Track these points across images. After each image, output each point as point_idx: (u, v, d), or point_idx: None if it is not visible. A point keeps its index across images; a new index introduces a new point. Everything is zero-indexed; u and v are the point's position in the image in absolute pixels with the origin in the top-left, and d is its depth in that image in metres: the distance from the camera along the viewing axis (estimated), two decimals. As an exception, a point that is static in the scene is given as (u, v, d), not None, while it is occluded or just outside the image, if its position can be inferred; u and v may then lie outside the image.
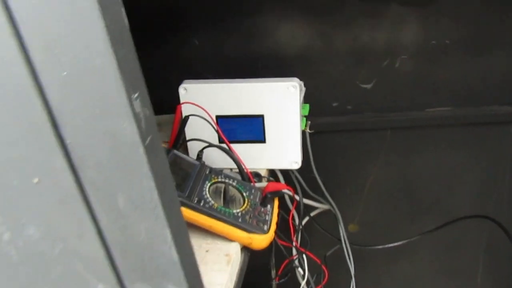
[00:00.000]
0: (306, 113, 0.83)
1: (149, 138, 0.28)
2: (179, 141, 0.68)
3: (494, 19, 0.91)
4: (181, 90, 0.75)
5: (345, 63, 0.98)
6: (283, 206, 0.77)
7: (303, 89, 0.82)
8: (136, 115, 0.27)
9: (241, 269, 0.61)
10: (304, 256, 0.76)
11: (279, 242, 0.78)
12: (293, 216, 0.76)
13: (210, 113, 0.74)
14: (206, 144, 0.69)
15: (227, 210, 0.60)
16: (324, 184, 0.90)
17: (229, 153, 0.69)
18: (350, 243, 1.00)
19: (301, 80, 0.78)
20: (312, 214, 1.01)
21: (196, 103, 0.74)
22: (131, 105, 0.26)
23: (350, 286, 0.98)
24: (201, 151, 0.70)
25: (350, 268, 0.99)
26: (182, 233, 0.33)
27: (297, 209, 0.79)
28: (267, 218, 0.62)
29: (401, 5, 0.90)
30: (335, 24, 0.94)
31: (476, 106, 0.98)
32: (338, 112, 1.03)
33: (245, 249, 0.62)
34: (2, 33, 0.25)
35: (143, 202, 0.30)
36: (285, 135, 0.75)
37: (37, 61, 0.26)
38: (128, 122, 0.26)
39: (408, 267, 1.23)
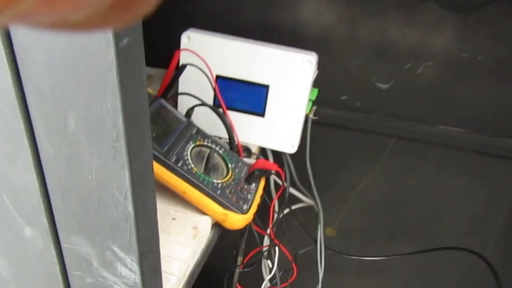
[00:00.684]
0: (313, 98, 0.75)
1: (126, 40, 0.20)
2: (169, 91, 0.60)
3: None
4: (184, 38, 0.66)
5: (365, 56, 0.90)
6: (266, 190, 0.70)
7: (316, 71, 0.75)
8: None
9: (207, 247, 0.53)
10: (276, 248, 0.69)
11: (254, 227, 0.71)
12: (274, 204, 0.69)
13: (211, 70, 0.66)
14: (199, 102, 0.61)
15: (206, 178, 0.52)
16: (314, 176, 0.83)
17: (223, 118, 0.61)
18: (325, 247, 0.94)
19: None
20: (293, 207, 0.94)
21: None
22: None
23: (315, 290, 0.91)
24: (191, 109, 0.62)
25: (319, 272, 0.93)
26: (146, 182, 0.25)
27: (281, 197, 0.72)
28: (248, 197, 0.55)
29: (441, 6, 0.82)
30: (364, 10, 0.86)
31: (491, 135, 0.91)
32: (345, 107, 0.96)
33: (216, 225, 0.55)
34: None
35: (100, 128, 0.22)
36: (287, 114, 0.68)
37: None
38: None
39: (376, 284, 1.18)
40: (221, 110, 0.62)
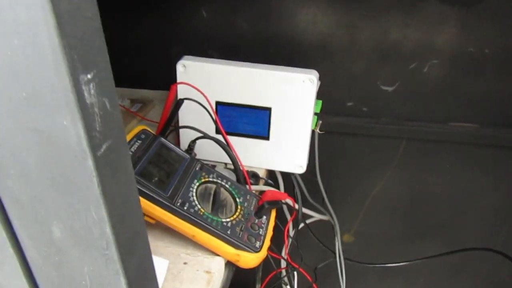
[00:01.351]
0: (318, 111, 0.72)
1: (105, 146, 0.18)
2: (169, 127, 0.58)
3: (542, 33, 0.80)
4: (179, 67, 0.64)
5: (368, 59, 0.87)
6: (278, 211, 0.67)
7: (318, 81, 0.72)
8: (85, 108, 0.16)
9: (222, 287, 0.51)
10: (295, 273, 0.66)
11: (269, 253, 0.69)
12: (288, 228, 0.67)
13: (209, 98, 0.63)
14: (200, 135, 0.59)
15: (215, 218, 0.50)
16: (325, 188, 0.81)
17: (226, 148, 0.59)
18: (345, 258, 0.91)
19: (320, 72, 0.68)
20: (308, 221, 0.92)
21: (194, 84, 0.63)
22: (78, 91, 0.16)
23: (339, 305, 0.89)
24: (193, 142, 0.60)
25: (342, 285, 0.90)
26: (144, 281, 0.23)
27: (294, 219, 0.70)
28: (260, 232, 0.53)
29: (442, 2, 0.79)
30: (362, 14, 0.83)
31: (505, 127, 0.88)
32: (351, 113, 0.93)
33: (229, 264, 0.53)
34: None
35: (88, 237, 0.20)
36: (293, 134, 0.65)
37: None
38: (70, 118, 0.16)
39: None
40: (224, 141, 0.60)
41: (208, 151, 0.66)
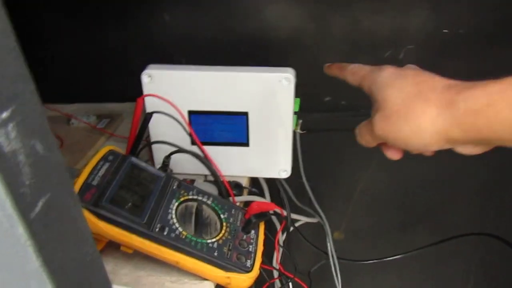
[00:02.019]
0: (297, 109, 0.69)
1: (41, 203, 0.13)
2: (139, 144, 0.53)
3: (515, 7, 0.79)
4: (145, 77, 0.59)
5: (341, 51, 0.84)
6: (267, 221, 0.63)
7: (295, 80, 0.68)
8: (3, 159, 0.12)
9: (214, 314, 0.47)
10: (290, 284, 0.63)
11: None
12: (278, 238, 0.63)
13: (181, 108, 0.59)
14: (174, 149, 0.54)
15: (199, 240, 0.46)
16: (312, 188, 0.77)
17: (203, 161, 0.54)
18: (338, 258, 0.88)
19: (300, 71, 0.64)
20: (297, 224, 0.88)
21: (163, 94, 0.58)
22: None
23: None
24: (167, 157, 0.55)
25: (337, 286, 0.87)
26: None
27: (284, 226, 0.66)
28: (250, 249, 0.48)
29: (412, -15, 0.77)
30: (331, 5, 0.80)
31: (486, 108, 0.86)
32: (330, 108, 0.90)
33: (220, 287, 0.48)
34: None
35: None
36: (274, 138, 0.61)
37: None
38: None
39: (397, 280, 1.13)
40: (200, 152, 0.55)
41: (185, 164, 0.62)
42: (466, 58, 0.81)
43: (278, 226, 0.72)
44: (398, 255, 0.93)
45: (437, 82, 0.34)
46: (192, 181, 0.59)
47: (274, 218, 0.75)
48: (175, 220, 0.46)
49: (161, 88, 0.59)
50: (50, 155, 0.13)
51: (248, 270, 0.46)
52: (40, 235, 0.13)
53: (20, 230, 0.13)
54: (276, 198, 0.73)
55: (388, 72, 0.38)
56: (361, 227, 1.05)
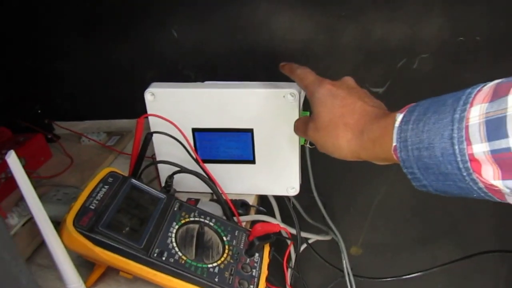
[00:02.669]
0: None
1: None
2: (140, 165, 0.52)
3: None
4: (148, 95, 0.58)
5: (354, 62, 0.82)
6: (275, 240, 0.61)
7: (303, 94, 0.66)
8: None
9: None
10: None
11: (268, 285, 0.63)
12: (288, 255, 0.60)
13: (185, 125, 0.58)
14: (177, 169, 0.53)
15: (199, 265, 0.44)
16: (324, 203, 0.75)
17: (207, 181, 0.53)
18: (354, 275, 0.85)
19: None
20: (310, 241, 0.86)
21: (167, 112, 0.58)
22: None
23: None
24: (170, 177, 0.54)
25: (354, 305, 0.84)
26: None
27: (294, 245, 0.64)
28: (254, 274, 0.46)
29: (424, -8, 0.74)
30: (341, 14, 0.78)
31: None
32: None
33: (224, 313, 0.46)
34: None
35: None
36: (280, 155, 0.60)
37: None
38: None
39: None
40: (204, 174, 0.54)
41: (190, 183, 0.60)
42: (484, 67, 0.78)
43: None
44: (418, 272, 0.89)
45: (358, 107, 0.41)
46: (197, 201, 0.58)
47: (286, 235, 0.73)
48: (174, 244, 0.45)
49: (165, 106, 0.58)
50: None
51: (251, 296, 0.44)
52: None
53: None
54: (287, 215, 0.71)
55: (324, 89, 0.44)
56: (380, 242, 1.01)
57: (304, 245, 0.86)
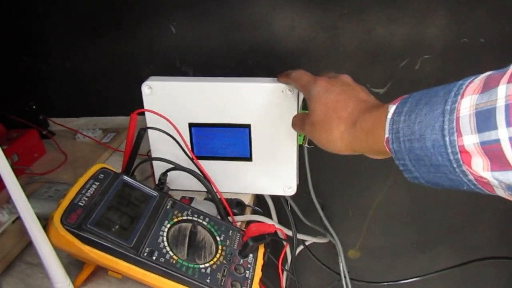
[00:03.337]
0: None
1: None
2: (133, 162, 0.51)
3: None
4: (145, 88, 0.57)
5: (354, 62, 0.80)
6: (271, 241, 0.60)
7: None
8: None
9: None
10: (296, 309, 0.59)
11: (262, 287, 0.61)
12: (284, 256, 0.59)
13: (181, 120, 0.57)
14: (171, 166, 0.52)
15: (191, 265, 0.43)
16: (322, 205, 0.73)
17: (201, 179, 0.51)
18: (351, 278, 0.84)
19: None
20: (308, 242, 0.84)
21: (163, 106, 0.57)
22: None
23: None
24: (163, 175, 0.52)
25: (352, 309, 0.83)
26: None
27: (290, 247, 0.62)
28: (247, 275, 0.45)
29: (428, -8, 0.73)
30: (343, 13, 0.76)
31: None
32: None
33: (215, 315, 0.45)
34: None
35: None
36: (278, 153, 0.58)
37: None
38: None
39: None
40: (199, 172, 0.53)
41: (185, 181, 0.59)
42: (488, 69, 0.76)
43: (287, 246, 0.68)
44: (416, 277, 0.87)
45: (351, 102, 0.42)
46: (191, 199, 0.57)
47: (282, 237, 0.72)
48: (166, 244, 0.43)
49: (162, 99, 0.57)
50: None
51: (243, 299, 0.42)
52: None
53: None
54: (284, 216, 0.69)
55: (319, 86, 0.45)
56: (378, 245, 1.00)
57: (301, 247, 0.85)
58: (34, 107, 0.81)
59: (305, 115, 0.47)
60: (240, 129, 0.57)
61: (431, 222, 0.95)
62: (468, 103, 0.29)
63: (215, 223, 0.49)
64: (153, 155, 0.60)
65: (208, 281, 0.42)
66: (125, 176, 0.47)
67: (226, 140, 0.59)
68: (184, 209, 0.48)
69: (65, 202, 0.42)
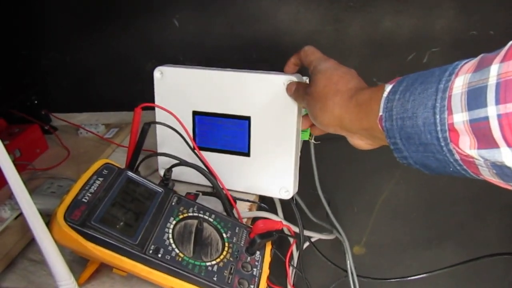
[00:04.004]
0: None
1: None
2: (138, 157, 0.50)
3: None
4: (157, 73, 0.58)
5: (361, 55, 0.79)
6: (277, 239, 0.59)
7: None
8: None
9: None
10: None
11: (269, 284, 0.60)
12: (289, 258, 0.58)
13: (186, 108, 0.57)
14: (176, 161, 0.51)
15: (197, 263, 0.42)
16: (328, 201, 0.72)
17: (207, 175, 0.50)
18: (358, 276, 0.83)
19: (304, 75, 0.59)
20: (313, 239, 0.83)
21: (171, 91, 0.57)
22: None
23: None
24: (168, 170, 0.51)
25: (357, 306, 0.82)
26: None
27: (296, 244, 0.61)
28: (254, 273, 0.44)
29: (436, -17, 0.71)
30: (349, 5, 0.75)
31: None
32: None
33: (222, 313, 0.44)
34: None
35: None
36: (276, 150, 0.56)
37: None
38: None
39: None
40: (205, 168, 0.52)
41: (191, 174, 0.58)
42: (498, 61, 0.75)
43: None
44: (423, 273, 0.86)
45: (354, 80, 0.42)
46: (196, 195, 0.56)
47: (288, 233, 0.71)
48: (171, 241, 0.42)
49: (171, 85, 0.57)
50: None
51: (251, 297, 0.41)
52: None
53: None
54: (290, 212, 0.68)
55: (330, 63, 0.46)
56: (383, 241, 0.99)
57: (306, 244, 0.84)
58: (36, 102, 0.80)
59: (307, 84, 0.48)
60: (240, 121, 0.56)
61: (437, 218, 0.94)
62: (461, 81, 0.29)
63: (221, 220, 0.48)
64: (159, 150, 0.59)
65: (215, 279, 0.41)
66: (130, 172, 0.46)
67: (226, 132, 0.58)
68: (190, 206, 0.47)
69: (68, 198, 0.41)
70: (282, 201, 0.69)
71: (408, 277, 0.87)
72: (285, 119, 0.53)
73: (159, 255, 0.40)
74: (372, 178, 0.91)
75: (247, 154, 0.57)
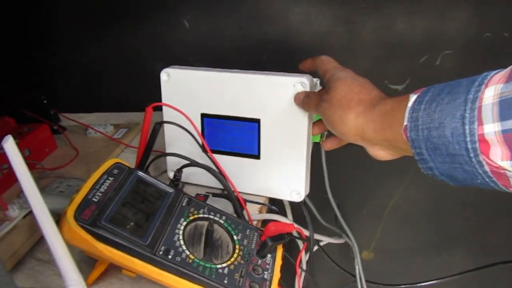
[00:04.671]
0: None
1: None
2: (148, 156, 0.49)
3: None
4: (163, 75, 0.57)
5: (373, 57, 0.78)
6: (287, 242, 0.58)
7: (319, 88, 0.63)
8: None
9: None
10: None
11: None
12: (299, 262, 0.57)
13: (194, 110, 0.56)
14: (186, 162, 0.50)
15: (207, 265, 0.41)
16: (338, 205, 0.71)
17: (217, 176, 0.50)
18: (367, 281, 0.82)
19: (315, 77, 0.59)
20: (322, 243, 0.82)
21: (179, 94, 0.56)
22: None
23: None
24: (178, 171, 0.51)
25: (366, 312, 0.81)
26: None
27: (306, 249, 0.60)
28: (265, 276, 0.43)
29: (450, -15, 0.70)
30: (361, 6, 0.74)
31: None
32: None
33: (232, 317, 0.43)
34: None
35: None
36: (286, 152, 0.55)
37: None
38: None
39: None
40: (216, 168, 0.51)
41: (202, 176, 0.57)
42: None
43: (301, 246, 0.66)
44: (433, 280, 0.85)
45: (374, 90, 0.42)
46: (206, 196, 0.55)
47: (300, 236, 0.70)
48: (182, 242, 0.42)
49: (178, 87, 0.57)
50: None
51: (262, 300, 0.41)
52: None
53: None
54: (300, 216, 0.67)
55: (348, 72, 0.45)
56: (392, 247, 0.98)
57: (315, 247, 0.83)
58: (45, 101, 0.80)
59: (323, 91, 0.46)
60: (249, 123, 0.55)
61: (447, 223, 0.92)
62: (492, 92, 0.29)
63: (232, 222, 0.47)
64: (168, 150, 0.59)
65: (225, 282, 0.40)
66: (140, 172, 0.46)
67: (235, 134, 0.57)
68: (200, 207, 0.47)
69: (78, 198, 0.40)
70: (291, 203, 0.68)
71: (417, 283, 0.85)
72: (295, 121, 0.53)
73: (170, 257, 0.40)
74: (382, 183, 0.90)
75: (257, 156, 0.56)
